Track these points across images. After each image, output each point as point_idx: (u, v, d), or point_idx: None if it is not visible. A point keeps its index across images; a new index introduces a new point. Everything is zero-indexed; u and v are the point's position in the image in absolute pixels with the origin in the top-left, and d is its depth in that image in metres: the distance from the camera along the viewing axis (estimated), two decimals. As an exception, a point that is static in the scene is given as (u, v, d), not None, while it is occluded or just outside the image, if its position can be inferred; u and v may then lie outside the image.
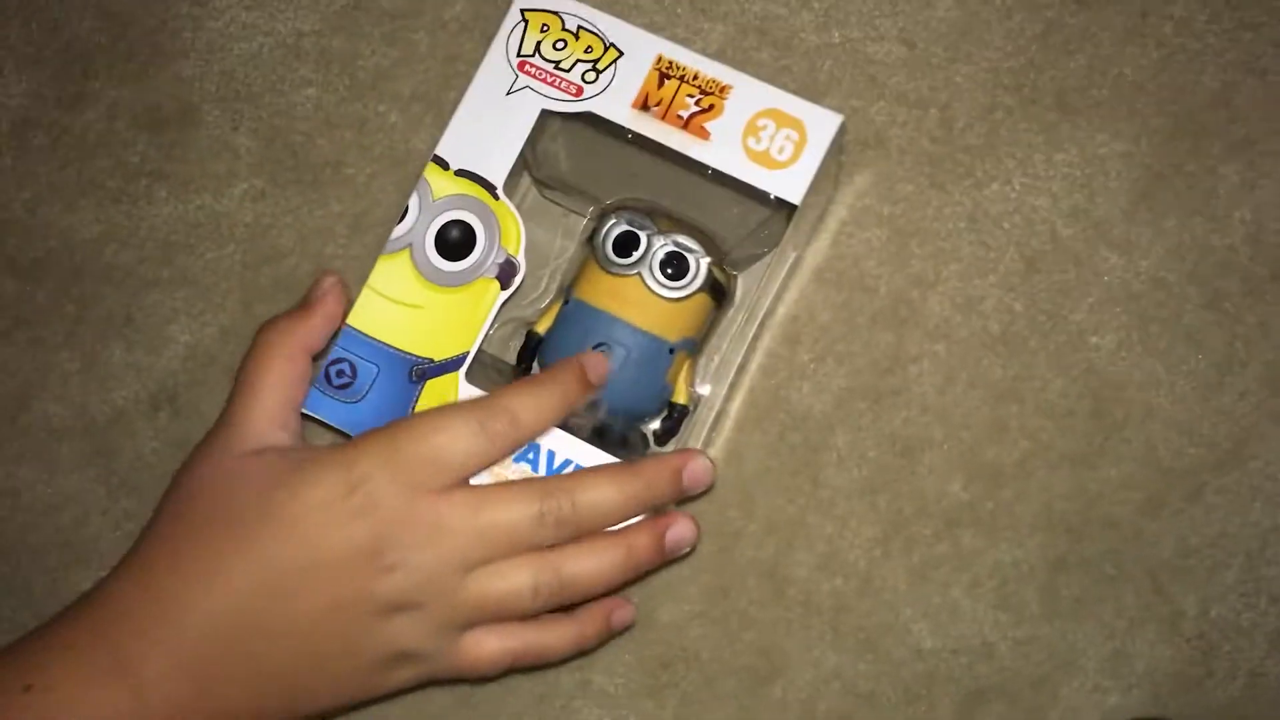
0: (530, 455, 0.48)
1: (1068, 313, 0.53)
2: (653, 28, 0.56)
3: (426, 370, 0.49)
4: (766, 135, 0.48)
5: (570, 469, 0.48)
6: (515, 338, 0.54)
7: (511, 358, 0.53)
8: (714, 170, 0.48)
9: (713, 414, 0.53)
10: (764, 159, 0.48)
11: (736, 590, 0.54)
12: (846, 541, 0.54)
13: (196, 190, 0.58)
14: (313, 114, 0.58)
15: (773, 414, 0.54)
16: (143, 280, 0.58)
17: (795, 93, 0.55)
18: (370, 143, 0.57)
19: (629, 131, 0.49)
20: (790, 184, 0.48)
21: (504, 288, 0.49)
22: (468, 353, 0.49)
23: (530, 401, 0.47)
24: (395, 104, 0.57)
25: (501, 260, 0.49)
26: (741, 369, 0.54)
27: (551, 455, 0.48)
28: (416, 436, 0.46)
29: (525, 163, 0.51)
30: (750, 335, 0.53)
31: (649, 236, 0.49)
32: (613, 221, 0.50)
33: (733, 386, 0.54)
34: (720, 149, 0.48)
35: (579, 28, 0.49)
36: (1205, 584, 0.52)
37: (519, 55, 0.49)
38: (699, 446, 0.52)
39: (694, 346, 0.52)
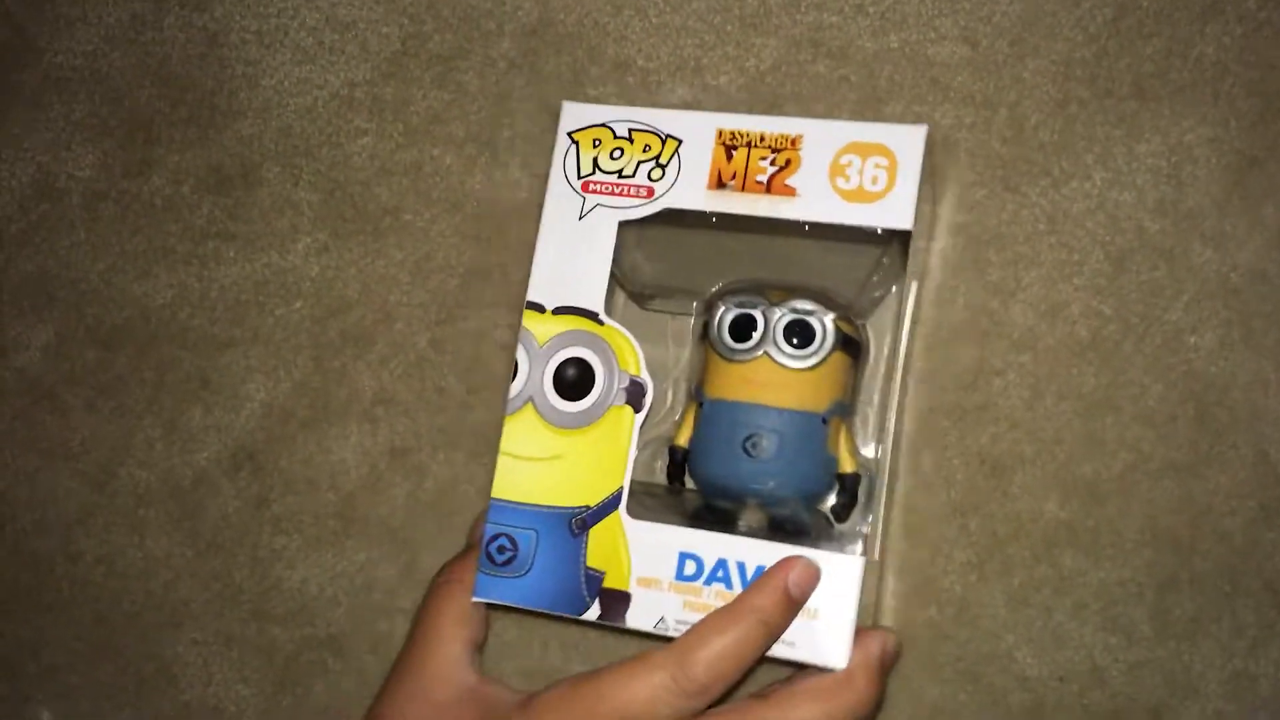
0: (720, 574, 0.45)
1: (1161, 313, 0.50)
2: (703, 48, 0.54)
3: (586, 519, 0.47)
4: (854, 171, 0.45)
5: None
6: (660, 458, 0.51)
7: (661, 478, 0.51)
8: (812, 224, 0.46)
9: (886, 475, 0.49)
10: (860, 195, 0.45)
11: (827, 624, 0.52)
12: (939, 568, 0.51)
13: (262, 248, 0.58)
14: (369, 163, 0.57)
15: (853, 439, 0.52)
16: (216, 341, 0.58)
17: (856, 104, 0.53)
18: (427, 187, 0.57)
19: (713, 215, 0.46)
20: (895, 211, 0.45)
21: (636, 410, 0.47)
22: (621, 489, 0.46)
23: (728, 645, 0.43)
24: (449, 146, 0.56)
25: (626, 384, 0.47)
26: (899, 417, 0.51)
27: (742, 567, 0.45)
28: (614, 705, 0.43)
29: (617, 281, 0.49)
30: (898, 383, 0.50)
31: (763, 312, 0.47)
32: (722, 310, 0.47)
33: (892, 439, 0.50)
34: (811, 201, 0.45)
35: (630, 130, 0.47)
36: (1332, 596, 0.49)
37: (580, 177, 0.47)
38: (882, 512, 0.49)
39: (846, 409, 0.48)
